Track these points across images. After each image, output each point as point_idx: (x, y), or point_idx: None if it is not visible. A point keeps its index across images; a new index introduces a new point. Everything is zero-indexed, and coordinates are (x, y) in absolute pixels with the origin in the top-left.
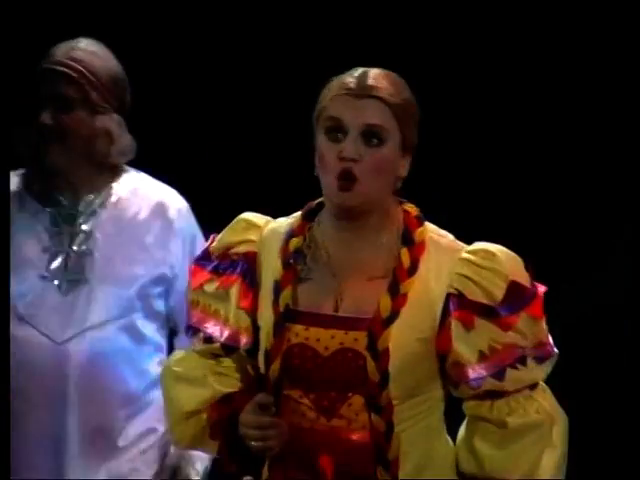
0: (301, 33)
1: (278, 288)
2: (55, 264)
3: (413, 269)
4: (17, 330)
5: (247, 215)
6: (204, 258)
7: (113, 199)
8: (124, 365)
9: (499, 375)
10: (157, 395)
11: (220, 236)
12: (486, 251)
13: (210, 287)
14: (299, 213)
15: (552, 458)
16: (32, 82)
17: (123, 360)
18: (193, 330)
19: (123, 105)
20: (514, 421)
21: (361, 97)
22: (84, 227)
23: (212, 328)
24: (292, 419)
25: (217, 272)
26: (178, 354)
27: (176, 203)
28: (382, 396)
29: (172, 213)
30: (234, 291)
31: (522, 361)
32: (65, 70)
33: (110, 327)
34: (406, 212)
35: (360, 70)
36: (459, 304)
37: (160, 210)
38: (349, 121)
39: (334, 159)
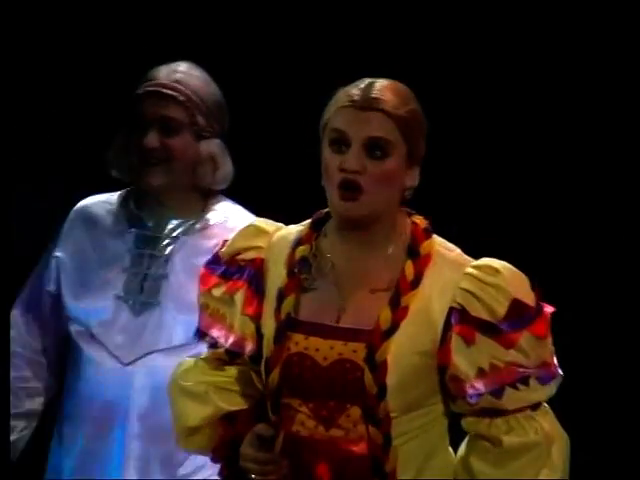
0: (315, 41)
1: (281, 296)
2: (131, 285)
3: (416, 282)
4: (88, 348)
5: (257, 221)
6: (214, 262)
7: (198, 226)
8: None
9: (497, 393)
10: None
11: (230, 241)
12: (491, 267)
13: (218, 291)
14: (309, 221)
15: (550, 478)
16: (130, 104)
17: None
18: (201, 334)
19: (224, 130)
20: (510, 440)
21: (365, 109)
22: (165, 251)
23: (217, 333)
24: (291, 427)
25: (225, 277)
26: (186, 364)
27: None
28: (379, 408)
29: None
30: (239, 297)
31: (524, 381)
32: (173, 93)
33: (175, 353)
34: (414, 224)
35: (366, 81)
36: (461, 319)
37: None
38: (352, 133)
39: (337, 170)
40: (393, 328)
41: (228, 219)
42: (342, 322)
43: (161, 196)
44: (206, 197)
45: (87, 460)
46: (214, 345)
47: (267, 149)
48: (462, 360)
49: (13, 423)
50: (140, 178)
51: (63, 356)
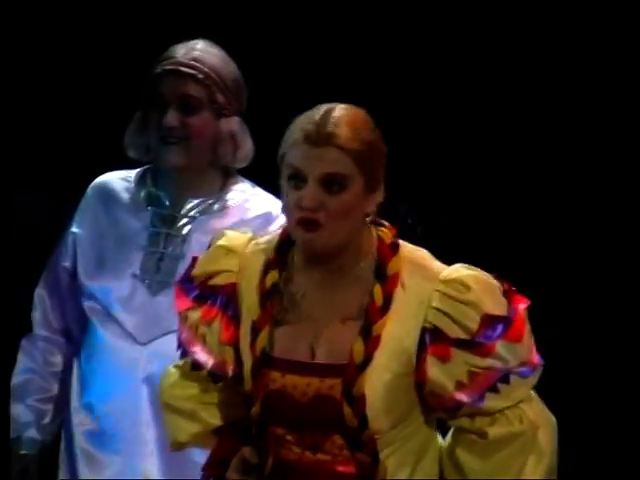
0: (332, 17)
1: (255, 330)
2: (148, 264)
3: (386, 306)
4: (103, 325)
5: (225, 240)
6: (187, 281)
7: (217, 207)
8: None
9: (478, 401)
10: None
11: (200, 263)
12: (461, 282)
13: (194, 315)
14: (276, 239)
15: (539, 465)
16: (148, 84)
17: None
18: (182, 350)
19: (242, 108)
20: (495, 431)
21: (319, 145)
22: (182, 231)
23: (199, 354)
24: (279, 452)
25: (199, 301)
26: (170, 376)
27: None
28: (362, 435)
29: (274, 226)
30: (215, 325)
31: (504, 379)
32: (191, 71)
33: None
34: (380, 240)
35: (321, 112)
36: (434, 338)
37: (262, 222)
38: (308, 171)
39: (295, 207)
40: (367, 360)
41: (247, 200)
42: (317, 357)
43: (180, 175)
44: (225, 177)
45: (110, 438)
46: (196, 366)
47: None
48: (439, 376)
49: (45, 407)
50: (159, 157)
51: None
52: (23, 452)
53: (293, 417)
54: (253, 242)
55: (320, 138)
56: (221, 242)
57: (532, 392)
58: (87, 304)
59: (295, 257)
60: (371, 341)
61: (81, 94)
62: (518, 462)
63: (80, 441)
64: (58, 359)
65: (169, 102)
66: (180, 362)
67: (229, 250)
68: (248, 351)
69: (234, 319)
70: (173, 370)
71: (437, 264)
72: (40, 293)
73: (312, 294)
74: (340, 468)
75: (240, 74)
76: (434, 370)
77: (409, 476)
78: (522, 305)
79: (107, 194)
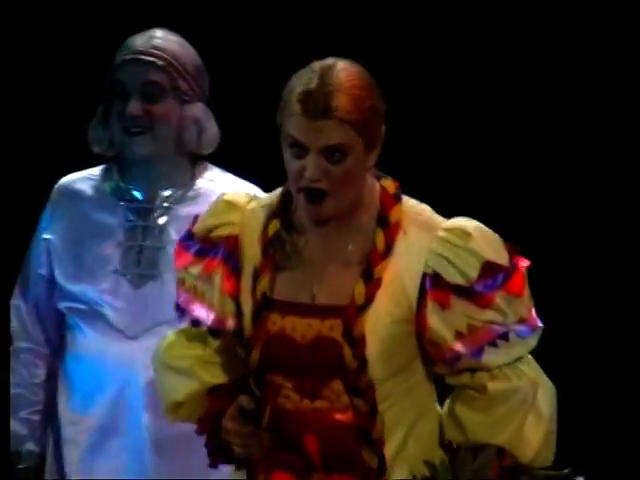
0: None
1: (257, 275)
2: (128, 259)
3: (387, 251)
4: (91, 325)
5: (228, 195)
6: (188, 239)
7: (190, 194)
8: None
9: (477, 354)
10: None
11: (202, 218)
12: (462, 230)
13: (194, 270)
14: (279, 192)
15: (538, 426)
16: (108, 76)
17: None
18: (180, 311)
19: (205, 94)
20: (495, 386)
21: (318, 118)
22: (159, 222)
23: (198, 311)
24: (276, 401)
25: (200, 255)
26: (168, 339)
27: None
28: (361, 381)
29: None
30: (217, 277)
31: (503, 337)
32: (152, 59)
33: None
34: (383, 189)
35: (317, 77)
36: (435, 284)
37: None
38: (308, 143)
39: (298, 174)
40: (368, 301)
41: (219, 186)
42: (317, 299)
43: (147, 165)
44: (193, 164)
45: (100, 442)
46: (196, 323)
47: (246, 114)
48: (439, 324)
49: (37, 418)
50: (125, 149)
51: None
52: (22, 466)
53: (292, 362)
54: (255, 200)
55: (318, 111)
56: (223, 197)
57: (530, 357)
58: (70, 306)
59: (298, 206)
60: (372, 283)
61: (37, 96)
62: (518, 417)
63: (71, 447)
64: (42, 370)
65: (131, 92)
66: (178, 328)
67: (231, 204)
68: (249, 299)
69: (235, 271)
70: (171, 334)
71: (439, 217)
72: (16, 304)
73: (314, 242)
74: (338, 416)
75: (201, 61)
76: (434, 318)
77: (404, 437)
78: (523, 263)
79: (73, 194)
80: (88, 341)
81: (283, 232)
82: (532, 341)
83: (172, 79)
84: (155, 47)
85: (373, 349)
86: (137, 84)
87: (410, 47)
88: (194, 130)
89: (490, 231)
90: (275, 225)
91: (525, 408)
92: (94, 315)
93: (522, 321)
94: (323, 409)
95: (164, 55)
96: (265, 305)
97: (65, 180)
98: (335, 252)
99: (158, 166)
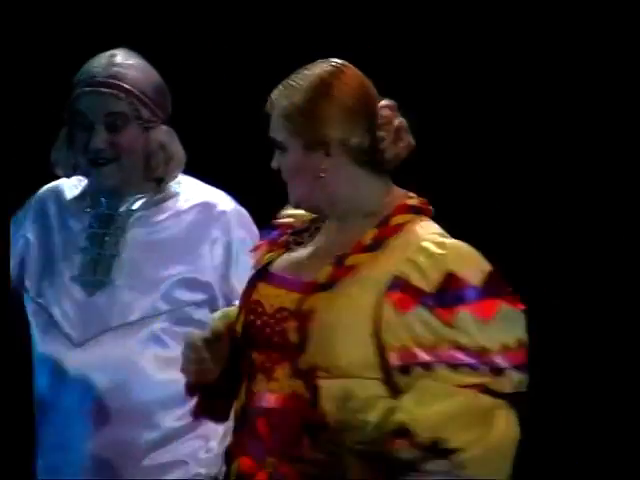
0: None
1: (268, 251)
2: (85, 265)
3: (373, 247)
4: (45, 330)
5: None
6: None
7: (153, 201)
8: (146, 371)
9: (405, 371)
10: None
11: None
12: (441, 243)
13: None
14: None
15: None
16: (69, 104)
17: (146, 366)
18: None
19: (168, 114)
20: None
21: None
22: (118, 229)
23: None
24: (249, 384)
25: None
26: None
27: (221, 205)
28: (301, 360)
29: (213, 215)
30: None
31: (470, 366)
32: (112, 91)
33: (131, 330)
34: (401, 203)
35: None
36: (396, 285)
37: (201, 211)
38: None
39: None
40: (330, 283)
41: (182, 192)
42: (295, 275)
43: (120, 191)
44: (160, 183)
45: (54, 449)
46: None
47: (211, 128)
48: (396, 327)
49: None
50: (91, 180)
51: None
52: None
53: (258, 332)
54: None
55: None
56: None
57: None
58: (32, 308)
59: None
60: (341, 268)
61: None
62: (462, 420)
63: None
64: None
65: (93, 122)
66: None
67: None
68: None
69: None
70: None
71: (444, 237)
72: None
73: (325, 234)
74: (284, 402)
75: (162, 81)
76: (391, 316)
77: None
78: (518, 304)
79: (56, 198)
80: (45, 343)
81: (311, 222)
82: (485, 377)
83: (134, 108)
84: (114, 76)
85: (318, 329)
86: (99, 115)
87: (410, 49)
88: (161, 155)
89: (475, 253)
90: (306, 217)
91: (474, 418)
92: (50, 318)
93: (483, 353)
94: (272, 392)
95: (124, 85)
96: (258, 275)
97: (54, 183)
98: (334, 246)
99: (131, 189)
